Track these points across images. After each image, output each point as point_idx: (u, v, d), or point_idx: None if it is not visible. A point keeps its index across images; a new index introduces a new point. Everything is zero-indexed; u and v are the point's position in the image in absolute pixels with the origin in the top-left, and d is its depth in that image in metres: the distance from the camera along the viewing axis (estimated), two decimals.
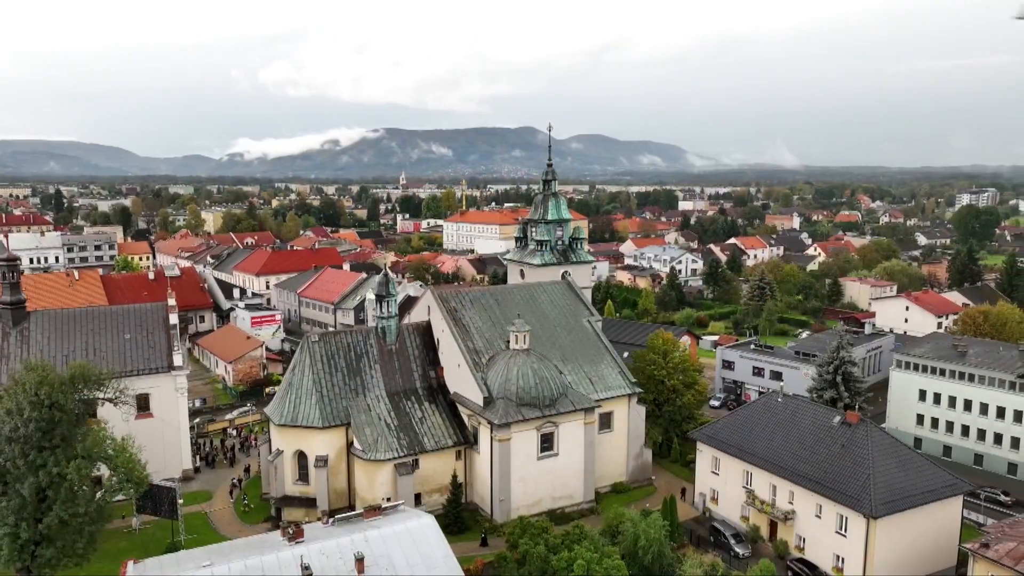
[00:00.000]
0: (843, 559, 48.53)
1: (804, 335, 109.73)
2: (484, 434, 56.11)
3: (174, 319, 64.48)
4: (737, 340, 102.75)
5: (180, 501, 51.36)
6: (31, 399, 38.11)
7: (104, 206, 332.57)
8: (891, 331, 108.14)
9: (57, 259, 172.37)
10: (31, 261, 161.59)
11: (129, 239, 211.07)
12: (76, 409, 40.49)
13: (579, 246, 73.90)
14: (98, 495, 40.72)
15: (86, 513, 39.30)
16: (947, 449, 70.51)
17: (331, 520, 38.03)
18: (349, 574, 34.13)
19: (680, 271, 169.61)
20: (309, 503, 55.95)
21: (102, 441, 40.48)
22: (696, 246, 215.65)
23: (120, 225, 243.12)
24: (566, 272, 71.01)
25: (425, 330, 63.63)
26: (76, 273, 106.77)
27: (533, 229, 72.84)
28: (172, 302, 65.53)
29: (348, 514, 39.29)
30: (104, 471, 43.31)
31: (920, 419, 72.95)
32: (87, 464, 38.82)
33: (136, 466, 41.12)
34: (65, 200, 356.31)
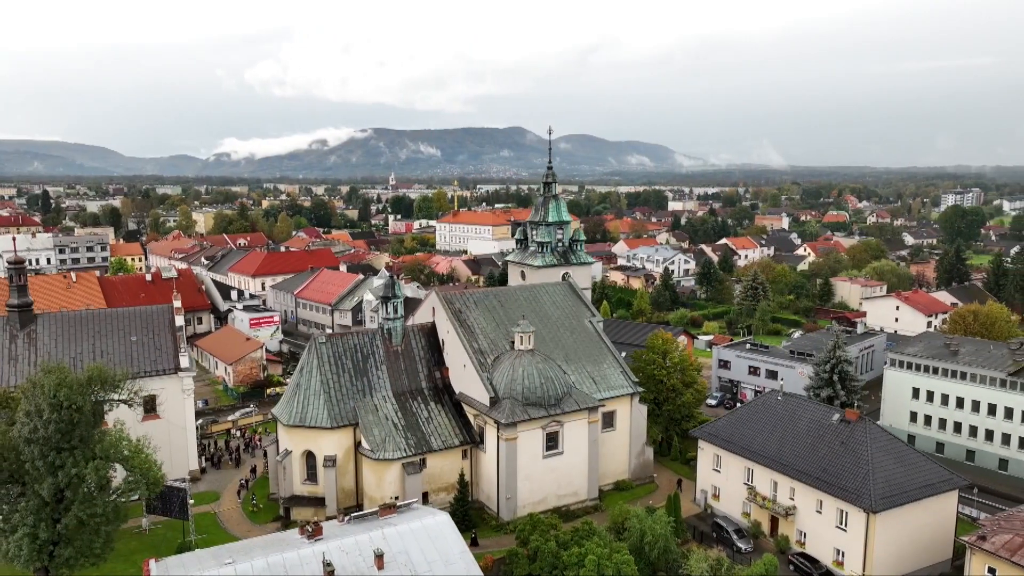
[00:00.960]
0: (843, 553, 49.82)
1: (797, 335, 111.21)
2: (490, 433, 57.02)
3: (180, 321, 64.93)
4: (732, 340, 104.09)
5: (191, 501, 51.88)
6: (50, 401, 38.55)
7: (93, 207, 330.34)
8: (882, 330, 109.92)
9: (49, 261, 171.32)
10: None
11: (120, 240, 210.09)
12: (94, 411, 41.07)
13: (579, 248, 74.93)
14: (113, 496, 41.28)
15: (103, 513, 39.87)
16: (940, 446, 72.02)
17: (347, 518, 38.77)
18: (369, 570, 35.00)
19: (673, 271, 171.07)
20: (318, 502, 56.60)
21: (118, 442, 40.99)
22: (687, 246, 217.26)
23: (111, 226, 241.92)
24: (566, 273, 72.18)
25: (430, 331, 64.44)
26: (73, 275, 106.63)
27: (534, 231, 74.00)
28: (178, 304, 65.96)
29: (364, 512, 40.03)
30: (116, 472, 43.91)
31: (913, 416, 74.47)
32: (104, 465, 39.34)
33: (153, 467, 41.69)
34: (52, 201, 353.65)
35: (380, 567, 34.87)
